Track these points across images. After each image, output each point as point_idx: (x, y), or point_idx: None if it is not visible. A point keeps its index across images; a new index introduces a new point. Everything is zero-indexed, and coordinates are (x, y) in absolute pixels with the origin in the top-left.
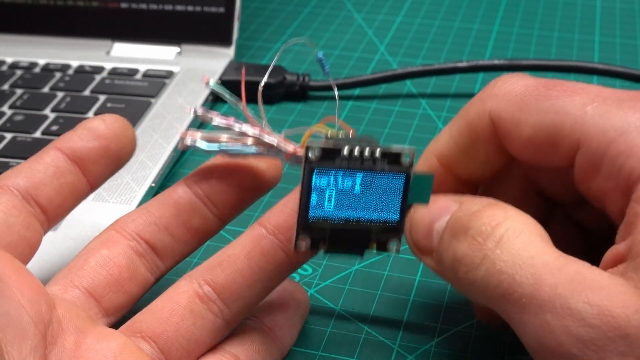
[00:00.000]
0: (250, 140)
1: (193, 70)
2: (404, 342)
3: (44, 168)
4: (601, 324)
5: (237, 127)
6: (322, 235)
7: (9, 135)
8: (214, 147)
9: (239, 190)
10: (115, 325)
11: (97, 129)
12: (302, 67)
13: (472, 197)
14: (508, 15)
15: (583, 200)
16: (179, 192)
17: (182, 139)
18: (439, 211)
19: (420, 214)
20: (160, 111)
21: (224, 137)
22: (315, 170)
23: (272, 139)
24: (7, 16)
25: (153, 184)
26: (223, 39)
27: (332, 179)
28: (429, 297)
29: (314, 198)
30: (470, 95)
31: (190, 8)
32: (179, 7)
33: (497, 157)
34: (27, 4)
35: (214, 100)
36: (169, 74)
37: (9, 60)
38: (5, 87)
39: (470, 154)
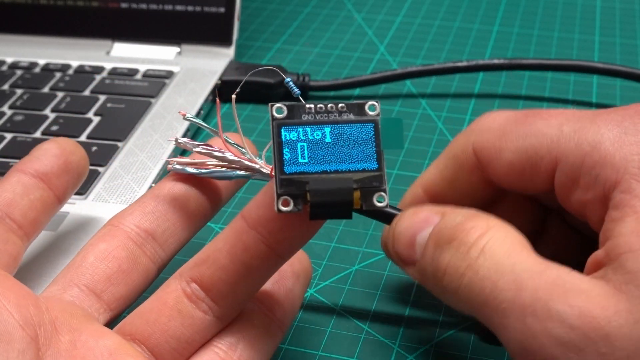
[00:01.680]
0: (233, 165)
1: (193, 70)
2: (404, 342)
3: (12, 187)
4: (582, 325)
5: (219, 154)
6: (301, 192)
7: (9, 135)
8: (201, 172)
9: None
10: (111, 325)
11: (51, 148)
12: (302, 67)
13: (453, 208)
14: (508, 15)
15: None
16: (171, 182)
17: (170, 164)
18: (421, 223)
19: (403, 226)
20: (160, 111)
21: (209, 162)
22: (283, 125)
23: (253, 164)
24: (7, 16)
25: (153, 184)
26: (223, 39)
27: (301, 132)
28: (429, 297)
29: (286, 152)
30: (470, 95)
31: (190, 8)
32: (179, 7)
33: (481, 189)
34: (27, 4)
35: (213, 101)
36: (169, 74)
37: (9, 60)
38: (5, 87)
39: (454, 186)
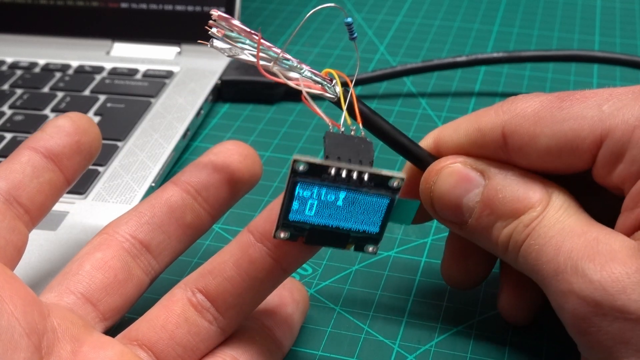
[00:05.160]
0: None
1: (193, 70)
2: (404, 342)
3: (22, 168)
4: (601, 279)
5: (263, 49)
6: (301, 233)
7: (9, 135)
8: (236, 52)
9: (228, 185)
10: (113, 333)
11: (65, 126)
12: None
13: (494, 167)
14: (508, 15)
15: (591, 191)
16: (169, 191)
17: (212, 28)
18: (465, 185)
19: (443, 189)
20: (160, 111)
21: (244, 46)
22: (299, 183)
23: (286, 76)
24: (7, 16)
25: (153, 184)
26: None
27: (315, 192)
28: (429, 297)
29: (295, 204)
30: (470, 94)
31: (190, 8)
32: (179, 7)
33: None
34: (27, 4)
35: (213, 101)
36: (169, 74)
37: (9, 60)
38: (5, 87)
39: (468, 154)
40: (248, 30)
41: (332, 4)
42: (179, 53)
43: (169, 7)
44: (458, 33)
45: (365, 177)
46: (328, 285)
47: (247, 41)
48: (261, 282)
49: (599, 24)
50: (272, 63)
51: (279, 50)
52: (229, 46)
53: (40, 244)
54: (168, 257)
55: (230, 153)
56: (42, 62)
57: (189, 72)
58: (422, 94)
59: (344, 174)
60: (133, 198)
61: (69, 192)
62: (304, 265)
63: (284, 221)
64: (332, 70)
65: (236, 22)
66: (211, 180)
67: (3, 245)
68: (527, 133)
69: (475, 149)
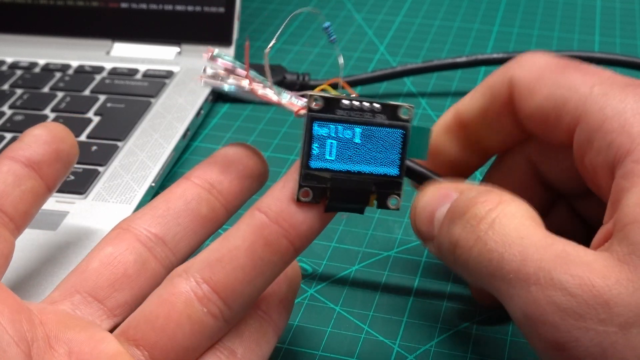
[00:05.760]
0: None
1: (193, 70)
2: (404, 342)
3: (3, 178)
4: (582, 293)
5: (246, 84)
6: (323, 187)
7: (9, 135)
8: (231, 86)
9: (241, 180)
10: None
11: (42, 134)
12: (302, 66)
13: (472, 185)
14: (508, 15)
15: (586, 191)
16: (183, 185)
17: (206, 67)
18: (440, 199)
19: (423, 202)
20: (160, 111)
21: (237, 80)
22: (316, 120)
23: (278, 98)
24: (7, 16)
25: (153, 184)
26: (223, 39)
27: (332, 128)
28: (429, 297)
29: (315, 147)
30: None
31: (190, 8)
32: (179, 7)
33: (508, 126)
34: (27, 4)
35: (213, 101)
36: (169, 74)
37: (9, 60)
38: (5, 87)
39: (484, 116)
40: (238, 69)
41: (309, 8)
42: (179, 53)
43: (169, 7)
44: (458, 33)
45: (376, 105)
46: (328, 285)
47: (238, 65)
48: (274, 265)
49: (599, 24)
50: (264, 88)
51: (268, 82)
52: (218, 81)
53: (40, 244)
54: (185, 249)
55: (239, 150)
56: (42, 62)
57: (189, 72)
58: (422, 94)
59: (356, 103)
60: (133, 198)
61: (69, 192)
62: (304, 266)
63: (305, 171)
64: (324, 88)
65: (226, 60)
66: (224, 175)
67: None
68: (528, 86)
69: (489, 107)
